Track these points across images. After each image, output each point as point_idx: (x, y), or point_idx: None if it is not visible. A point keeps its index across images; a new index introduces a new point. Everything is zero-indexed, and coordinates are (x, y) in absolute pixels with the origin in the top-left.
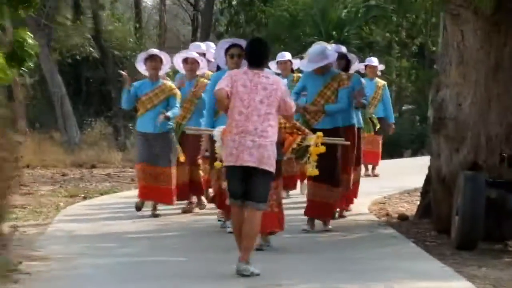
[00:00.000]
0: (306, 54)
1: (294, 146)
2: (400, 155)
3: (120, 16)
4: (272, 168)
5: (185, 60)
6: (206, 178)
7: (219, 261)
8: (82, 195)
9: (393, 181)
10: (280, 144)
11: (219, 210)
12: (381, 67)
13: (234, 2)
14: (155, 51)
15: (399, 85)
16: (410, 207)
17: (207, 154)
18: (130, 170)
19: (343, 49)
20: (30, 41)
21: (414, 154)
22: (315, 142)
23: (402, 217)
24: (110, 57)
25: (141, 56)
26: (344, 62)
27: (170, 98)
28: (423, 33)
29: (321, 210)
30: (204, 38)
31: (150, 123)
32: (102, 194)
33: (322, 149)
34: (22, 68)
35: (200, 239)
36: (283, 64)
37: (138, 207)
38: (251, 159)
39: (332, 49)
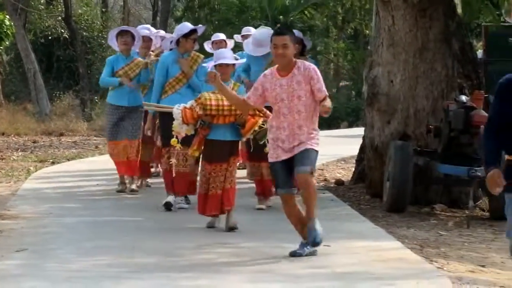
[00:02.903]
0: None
1: (256, 128)
2: (338, 127)
3: (88, 1)
4: None
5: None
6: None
7: (172, 220)
8: (51, 161)
9: (331, 150)
10: (241, 125)
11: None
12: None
13: None
14: (125, 27)
15: (337, 64)
16: (346, 173)
17: (149, 133)
18: (95, 138)
19: (300, 34)
20: (7, 22)
21: (350, 125)
22: None
23: (339, 182)
24: (79, 37)
25: (112, 32)
26: (300, 46)
27: (142, 71)
28: (358, 18)
29: (264, 187)
30: (164, 22)
31: (124, 97)
32: (68, 160)
33: None
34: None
35: (156, 200)
36: (218, 43)
37: (123, 183)
38: None
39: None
